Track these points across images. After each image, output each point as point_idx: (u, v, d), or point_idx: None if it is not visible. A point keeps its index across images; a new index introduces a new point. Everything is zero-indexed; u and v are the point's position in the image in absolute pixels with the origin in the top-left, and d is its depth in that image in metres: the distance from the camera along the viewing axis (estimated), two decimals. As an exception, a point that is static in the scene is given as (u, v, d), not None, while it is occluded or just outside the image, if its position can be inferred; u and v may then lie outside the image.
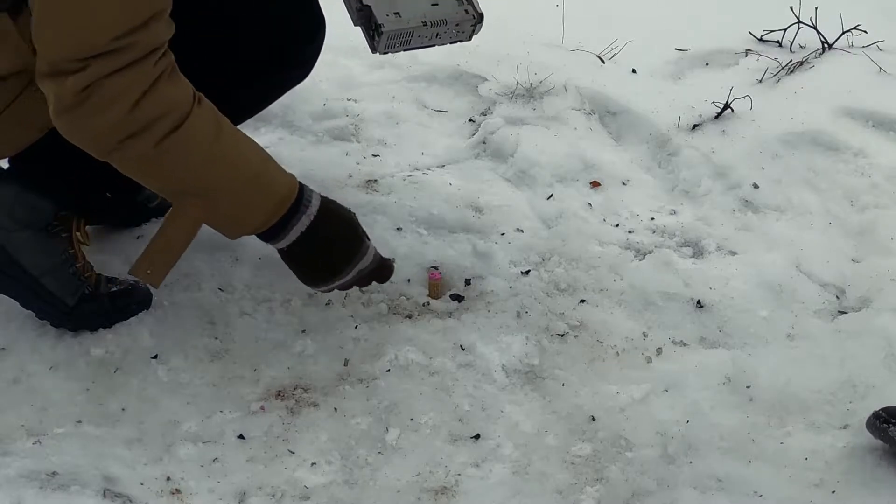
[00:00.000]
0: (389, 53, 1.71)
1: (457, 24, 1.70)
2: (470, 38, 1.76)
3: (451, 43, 1.75)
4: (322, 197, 1.53)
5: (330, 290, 1.58)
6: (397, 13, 1.66)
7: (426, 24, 1.67)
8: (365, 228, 1.86)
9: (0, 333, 1.62)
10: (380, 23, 1.64)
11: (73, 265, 1.61)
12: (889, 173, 2.05)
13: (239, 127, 1.50)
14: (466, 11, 1.72)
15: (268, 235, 1.51)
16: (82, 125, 1.36)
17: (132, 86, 1.33)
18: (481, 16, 1.73)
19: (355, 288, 1.74)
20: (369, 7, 1.66)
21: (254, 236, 1.52)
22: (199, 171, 1.42)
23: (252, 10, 1.45)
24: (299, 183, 1.50)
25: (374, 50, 1.69)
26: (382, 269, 1.61)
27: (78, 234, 1.62)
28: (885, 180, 2.03)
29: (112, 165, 1.56)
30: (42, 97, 1.40)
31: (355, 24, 1.70)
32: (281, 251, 1.53)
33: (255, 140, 1.52)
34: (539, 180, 2.08)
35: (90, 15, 1.29)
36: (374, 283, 1.62)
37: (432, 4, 1.70)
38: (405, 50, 1.71)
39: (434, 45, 1.74)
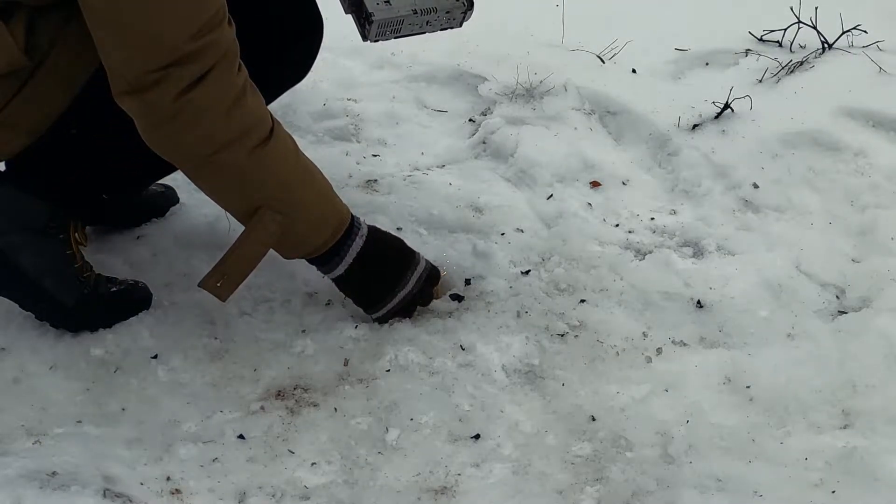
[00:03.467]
0: (380, 41, 1.71)
1: (447, 12, 1.70)
2: (461, 25, 1.76)
3: (441, 30, 1.75)
4: (367, 224, 1.60)
5: (393, 309, 1.62)
6: (387, 1, 1.66)
7: (416, 12, 1.67)
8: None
9: (0, 334, 1.62)
10: (370, 11, 1.64)
11: (71, 266, 1.60)
12: (889, 173, 2.05)
13: None
14: None
15: (324, 259, 1.55)
16: (176, 140, 1.36)
17: (221, 96, 1.33)
18: (471, 3, 1.72)
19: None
20: None
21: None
22: (288, 183, 1.45)
23: (250, 10, 1.46)
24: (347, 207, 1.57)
25: (364, 38, 1.69)
26: (434, 275, 1.68)
27: (76, 234, 1.62)
28: (885, 180, 2.03)
29: (114, 171, 1.56)
30: (32, 102, 1.39)
31: (346, 13, 1.71)
32: (339, 278, 1.57)
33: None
34: (539, 180, 2.08)
35: (157, 20, 1.28)
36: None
37: None
38: (396, 38, 1.71)
39: (425, 32, 1.74)
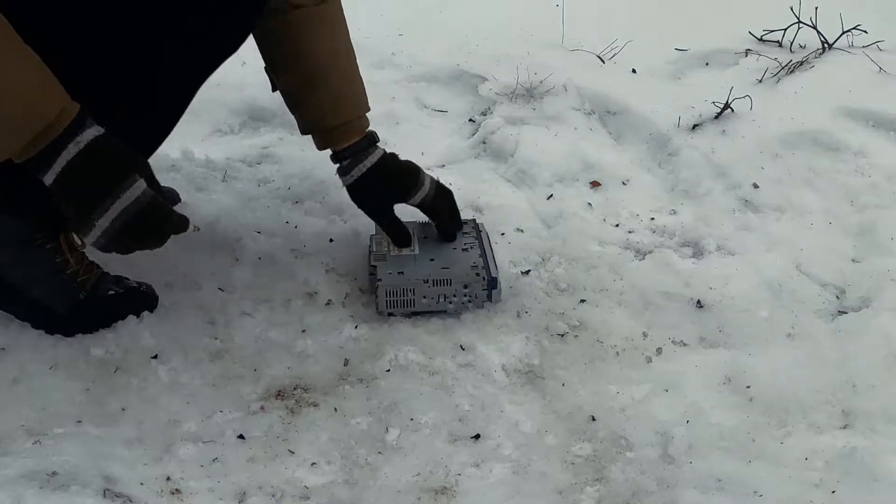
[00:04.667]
0: (396, 315, 1.69)
1: (465, 286, 1.68)
2: (491, 301, 1.71)
3: (465, 309, 1.71)
4: (103, 133, 1.33)
5: (98, 241, 1.37)
6: (401, 272, 1.69)
7: (427, 282, 1.67)
8: (364, 228, 1.87)
9: (0, 333, 1.62)
10: (379, 277, 1.68)
11: (63, 273, 1.58)
12: (889, 173, 2.05)
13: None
14: (477, 274, 1.69)
15: (32, 165, 1.33)
16: None
17: None
18: (494, 280, 1.69)
19: (354, 288, 1.75)
20: (376, 267, 1.70)
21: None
22: None
23: None
24: (79, 111, 1.31)
25: (377, 308, 1.69)
26: (166, 218, 1.41)
27: (68, 238, 1.60)
28: (885, 180, 2.04)
29: None
30: None
31: (370, 289, 1.74)
32: (50, 187, 1.35)
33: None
34: (539, 180, 2.08)
35: None
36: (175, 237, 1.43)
37: (442, 268, 1.70)
38: (411, 313, 1.69)
39: (446, 311, 1.70)
